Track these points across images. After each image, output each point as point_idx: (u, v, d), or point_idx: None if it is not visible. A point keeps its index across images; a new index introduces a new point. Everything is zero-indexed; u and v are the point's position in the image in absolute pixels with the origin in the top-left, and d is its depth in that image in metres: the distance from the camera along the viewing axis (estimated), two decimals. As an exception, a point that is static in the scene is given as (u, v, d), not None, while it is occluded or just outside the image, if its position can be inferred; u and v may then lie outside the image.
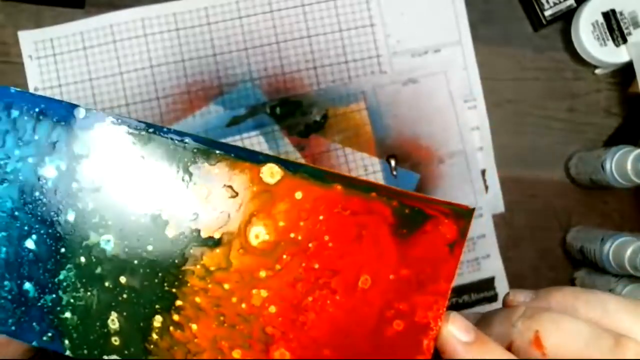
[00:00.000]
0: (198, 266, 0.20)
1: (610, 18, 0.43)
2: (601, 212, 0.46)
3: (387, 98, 0.44)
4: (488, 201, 0.45)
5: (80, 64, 0.43)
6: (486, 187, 0.45)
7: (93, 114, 0.21)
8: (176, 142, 0.20)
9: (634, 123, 0.45)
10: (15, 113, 0.21)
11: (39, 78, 0.43)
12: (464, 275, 0.45)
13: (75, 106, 0.21)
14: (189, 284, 0.21)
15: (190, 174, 0.20)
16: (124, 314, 0.21)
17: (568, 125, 0.46)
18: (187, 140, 0.20)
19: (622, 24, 0.43)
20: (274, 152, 0.43)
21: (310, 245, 0.19)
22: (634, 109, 0.45)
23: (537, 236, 0.46)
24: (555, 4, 0.44)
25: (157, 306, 0.21)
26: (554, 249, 0.46)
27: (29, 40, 0.43)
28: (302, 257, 0.20)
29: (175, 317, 0.21)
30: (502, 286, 0.45)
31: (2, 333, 0.23)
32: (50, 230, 0.22)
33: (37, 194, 0.22)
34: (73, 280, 0.22)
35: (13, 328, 0.22)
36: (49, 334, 0.22)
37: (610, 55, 0.43)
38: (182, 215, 0.20)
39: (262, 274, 0.20)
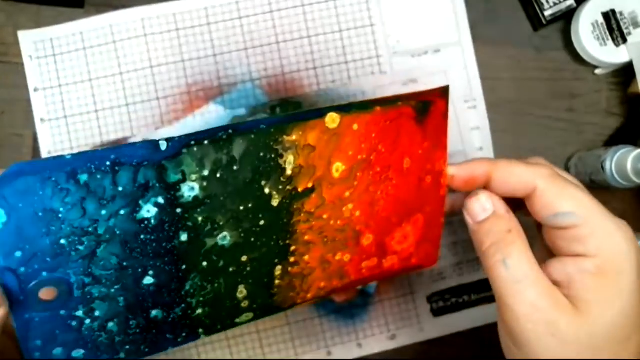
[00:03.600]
0: (302, 214, 0.24)
1: (610, 18, 0.43)
2: (601, 212, 0.46)
3: (387, 98, 0.44)
4: (488, 201, 0.45)
5: (80, 64, 0.43)
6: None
7: (175, 142, 0.21)
8: (254, 131, 0.22)
9: (634, 123, 0.45)
10: (84, 177, 0.20)
11: (39, 78, 0.43)
12: (464, 275, 0.45)
13: (155, 141, 0.21)
14: (298, 231, 0.24)
15: (276, 150, 0.23)
16: (250, 281, 0.24)
17: (568, 125, 0.46)
18: (263, 126, 0.23)
19: (622, 24, 0.43)
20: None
21: (372, 157, 0.25)
22: (634, 109, 0.45)
23: (537, 236, 0.45)
24: (555, 4, 0.44)
25: (275, 260, 0.25)
26: (554, 249, 0.46)
27: (29, 40, 0.43)
28: (368, 168, 0.25)
29: (292, 259, 0.25)
30: (502, 286, 0.45)
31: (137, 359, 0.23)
32: (166, 259, 0.22)
33: (142, 237, 0.21)
34: (199, 284, 0.23)
35: (147, 350, 0.23)
36: (183, 335, 0.24)
37: (610, 55, 0.43)
38: (280, 185, 0.23)
39: (347, 194, 0.25)
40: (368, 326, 0.44)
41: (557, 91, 0.46)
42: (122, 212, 0.20)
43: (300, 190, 0.24)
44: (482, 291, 0.45)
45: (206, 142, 0.21)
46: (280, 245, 0.24)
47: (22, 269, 0.20)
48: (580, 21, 0.43)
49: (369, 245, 0.27)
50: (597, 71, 0.45)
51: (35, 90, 0.43)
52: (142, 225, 0.21)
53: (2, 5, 0.43)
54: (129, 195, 0.20)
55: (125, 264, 0.21)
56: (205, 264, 0.23)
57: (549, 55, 0.46)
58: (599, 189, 0.44)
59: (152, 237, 0.21)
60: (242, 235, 0.23)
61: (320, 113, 0.23)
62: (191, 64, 0.43)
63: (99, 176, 0.20)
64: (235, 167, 0.22)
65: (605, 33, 0.43)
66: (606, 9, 0.43)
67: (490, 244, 0.26)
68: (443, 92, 0.27)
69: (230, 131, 0.22)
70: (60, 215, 0.20)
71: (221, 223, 0.22)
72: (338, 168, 0.24)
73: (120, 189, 0.20)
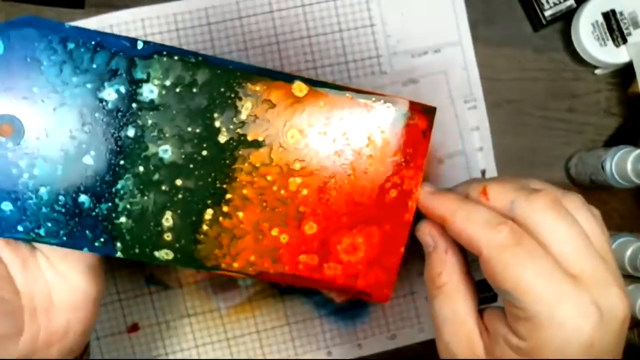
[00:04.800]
0: (246, 164, 0.25)
1: (610, 18, 0.43)
2: (601, 212, 0.46)
3: (387, 98, 0.44)
4: (488, 201, 0.45)
5: (80, 64, 0.43)
6: (486, 187, 0.45)
7: (150, 45, 0.24)
8: (222, 68, 0.24)
9: (634, 123, 0.45)
10: (71, 45, 0.24)
11: (39, 78, 0.43)
12: (464, 275, 0.45)
13: (135, 39, 0.24)
14: (237, 179, 0.25)
15: (236, 92, 0.24)
16: (178, 211, 0.25)
17: (568, 125, 0.46)
18: (231, 66, 0.24)
19: (622, 24, 0.43)
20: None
21: (333, 140, 0.25)
22: (634, 109, 0.45)
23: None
24: (555, 4, 0.44)
25: (209, 201, 0.25)
26: (554, 249, 0.46)
27: (29, 41, 0.43)
28: (326, 149, 0.25)
29: (225, 209, 0.25)
30: (502, 286, 0.45)
31: (53, 244, 0.25)
32: (109, 146, 0.24)
33: (97, 115, 0.24)
34: (130, 188, 0.24)
35: (65, 238, 0.25)
36: (102, 239, 0.25)
37: (610, 55, 0.43)
38: (231, 124, 0.25)
39: (297, 165, 0.25)
40: (368, 326, 0.44)
41: (557, 91, 0.46)
42: (88, 85, 0.24)
43: (249, 139, 0.25)
44: (482, 291, 0.44)
45: (176, 57, 0.24)
46: (217, 187, 0.25)
47: None
48: (580, 21, 0.43)
49: (311, 237, 0.26)
50: (597, 71, 0.45)
51: (35, 90, 0.43)
52: (100, 104, 0.24)
53: (2, 5, 0.43)
54: (98, 74, 0.24)
55: (74, 134, 0.24)
56: (141, 168, 0.24)
57: (549, 56, 0.46)
58: (599, 189, 0.44)
59: (104, 119, 0.24)
60: (183, 157, 0.24)
61: (290, 78, 0.25)
62: (191, 64, 0.43)
63: (82, 49, 0.23)
64: (194, 90, 0.24)
65: (605, 33, 0.43)
66: (606, 9, 0.43)
67: (427, 278, 0.27)
68: (426, 110, 0.26)
69: (200, 58, 0.24)
70: (42, 68, 0.23)
71: (167, 135, 0.24)
72: (294, 135, 0.25)
73: (94, 66, 0.24)
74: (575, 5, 0.44)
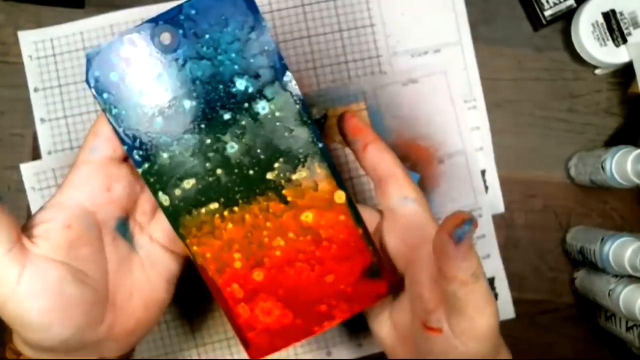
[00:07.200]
0: (264, 203, 0.28)
1: (610, 18, 0.43)
2: (601, 212, 0.46)
3: (387, 98, 0.44)
4: (488, 201, 0.45)
5: (81, 64, 0.43)
6: (486, 187, 0.45)
7: (295, 94, 0.27)
8: (316, 137, 0.28)
9: (634, 123, 0.45)
10: (252, 36, 0.27)
11: (38, 78, 0.43)
12: (464, 275, 0.45)
13: (286, 71, 0.27)
14: (250, 206, 0.28)
15: (306, 160, 0.28)
16: (199, 186, 0.28)
17: (568, 125, 0.46)
18: (320, 145, 0.28)
19: (622, 24, 0.43)
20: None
21: (323, 243, 0.29)
22: (634, 109, 0.45)
23: (537, 236, 0.46)
24: (555, 4, 0.44)
25: (222, 199, 0.28)
26: (554, 249, 0.46)
27: (29, 40, 0.43)
28: (314, 244, 0.29)
29: (225, 213, 0.28)
30: (502, 286, 0.45)
31: (112, 125, 0.27)
32: (207, 113, 0.27)
33: (220, 86, 0.27)
34: (192, 143, 0.28)
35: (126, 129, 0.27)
36: (141, 152, 0.28)
37: (610, 55, 0.43)
38: (282, 173, 0.28)
39: (290, 234, 0.29)
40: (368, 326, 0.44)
41: (557, 91, 0.46)
42: (236, 67, 0.27)
43: (282, 192, 0.28)
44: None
45: (297, 104, 0.27)
46: (235, 197, 0.28)
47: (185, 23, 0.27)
48: (580, 21, 0.43)
49: (252, 281, 0.29)
50: (597, 71, 0.45)
51: (35, 90, 0.43)
52: (230, 84, 0.27)
53: (2, 5, 0.43)
54: (248, 67, 0.27)
55: (194, 83, 0.27)
56: (208, 140, 0.28)
57: (549, 55, 0.46)
58: (599, 189, 0.44)
59: (221, 94, 0.27)
60: (237, 161, 0.28)
61: (342, 187, 0.28)
62: (191, 64, 0.43)
63: (255, 46, 0.27)
64: (286, 134, 0.28)
65: (605, 33, 0.43)
66: (606, 9, 0.43)
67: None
68: (393, 283, 0.30)
69: (309, 122, 0.28)
70: (223, 29, 0.27)
71: (243, 140, 0.28)
72: (308, 216, 0.29)
73: (252, 60, 0.27)
74: (575, 5, 0.44)
